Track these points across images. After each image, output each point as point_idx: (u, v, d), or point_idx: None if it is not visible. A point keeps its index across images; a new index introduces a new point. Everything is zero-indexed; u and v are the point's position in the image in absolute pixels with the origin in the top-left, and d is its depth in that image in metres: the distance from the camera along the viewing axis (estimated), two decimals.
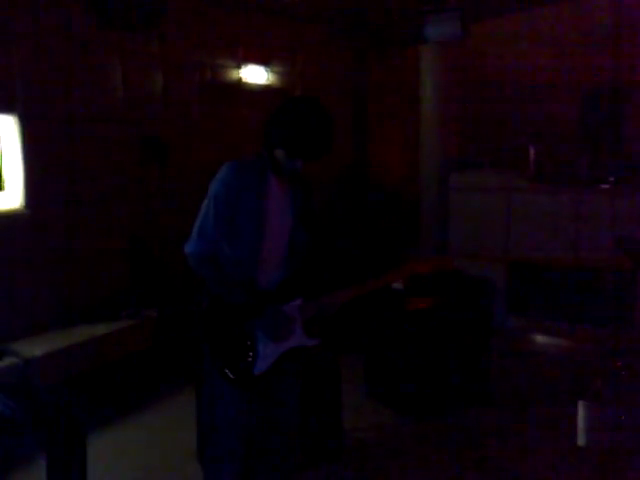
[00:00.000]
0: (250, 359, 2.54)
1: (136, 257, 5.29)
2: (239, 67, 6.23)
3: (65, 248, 4.82)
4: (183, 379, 4.71)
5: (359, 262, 5.60)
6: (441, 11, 6.59)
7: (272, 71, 6.53)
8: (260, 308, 2.54)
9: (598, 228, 5.70)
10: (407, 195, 7.47)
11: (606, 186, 6.15)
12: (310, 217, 2.71)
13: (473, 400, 4.62)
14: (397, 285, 4.67)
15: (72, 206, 4.88)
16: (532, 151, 6.55)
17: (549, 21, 7.12)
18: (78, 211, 4.91)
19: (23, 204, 4.61)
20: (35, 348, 4.24)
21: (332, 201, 6.79)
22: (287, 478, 2.81)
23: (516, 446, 4.06)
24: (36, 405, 3.17)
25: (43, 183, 4.70)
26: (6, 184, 4.58)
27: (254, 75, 6.33)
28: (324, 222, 2.75)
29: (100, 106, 5.09)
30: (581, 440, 3.97)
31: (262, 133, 2.59)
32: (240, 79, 6.24)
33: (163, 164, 5.51)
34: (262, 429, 2.72)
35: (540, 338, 6.06)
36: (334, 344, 3.85)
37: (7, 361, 4.02)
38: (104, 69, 5.12)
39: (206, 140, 5.85)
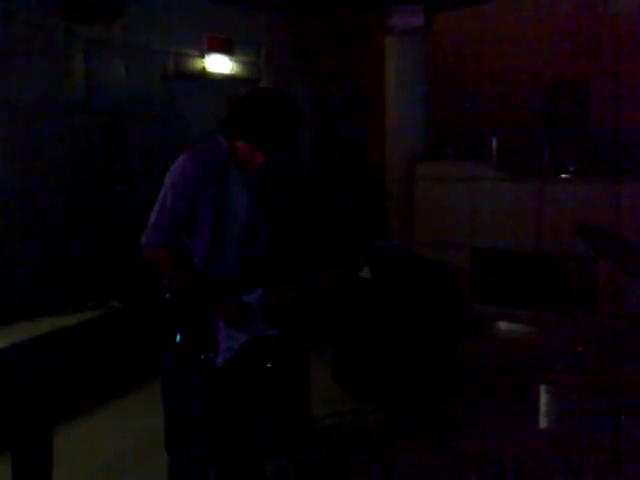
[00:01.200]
0: (212, 350, 2.53)
1: (101, 248, 5.23)
2: (202, 56, 6.18)
3: (32, 237, 4.74)
4: (150, 368, 4.67)
5: (322, 251, 5.62)
6: (406, 2, 6.63)
7: (236, 60, 6.48)
8: (220, 298, 2.53)
9: (560, 216, 5.80)
10: (375, 184, 7.49)
11: (567, 175, 6.28)
12: (270, 207, 2.70)
13: (438, 386, 4.68)
14: (364, 273, 4.70)
15: (35, 194, 4.80)
16: (494, 141, 6.65)
17: (512, 11, 7.20)
18: (42, 199, 4.84)
19: None
20: (0, 339, 4.17)
21: (298, 190, 6.79)
22: (253, 465, 2.81)
23: (480, 431, 4.12)
24: (0, 397, 3.12)
25: (5, 171, 4.62)
26: None
27: (217, 64, 6.28)
28: (288, 212, 2.74)
29: (61, 95, 5.00)
30: (543, 423, 4.06)
31: (224, 122, 2.56)
32: (203, 68, 6.19)
33: (125, 153, 5.46)
34: (227, 418, 2.71)
35: (504, 325, 6.16)
36: (300, 333, 3.85)
37: None
38: (66, 57, 5.03)
39: (168, 129, 5.79)
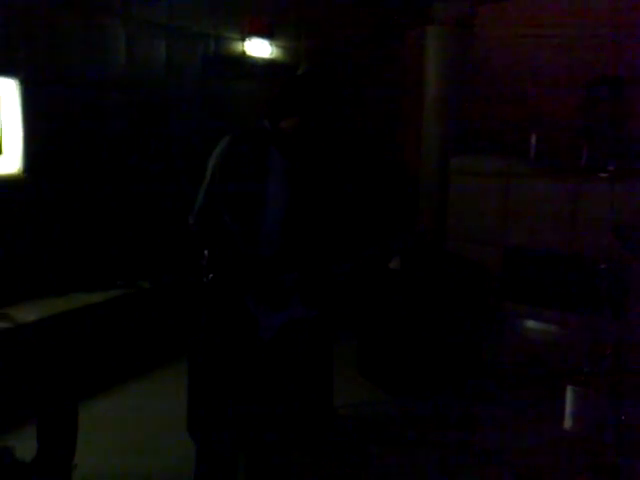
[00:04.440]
0: (252, 331, 2.55)
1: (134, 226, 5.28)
2: (243, 40, 6.18)
3: (63, 214, 4.81)
4: (178, 348, 4.73)
5: (356, 238, 5.61)
6: None
7: (277, 45, 6.47)
8: (260, 279, 2.55)
9: (596, 216, 5.69)
10: (409, 178, 7.45)
11: (605, 175, 6.15)
12: (311, 191, 2.71)
13: (463, 382, 4.66)
14: (394, 265, 4.69)
15: (71, 172, 4.86)
16: (533, 137, 6.54)
17: (554, 8, 7.05)
18: (77, 177, 4.89)
19: (21, 169, 4.59)
20: (29, 313, 4.25)
21: (338, 178, 6.77)
22: (284, 448, 2.84)
23: (505, 429, 4.10)
24: (27, 370, 3.18)
25: (42, 148, 4.68)
26: (5, 148, 4.55)
27: (258, 48, 6.28)
28: (327, 197, 2.75)
29: (102, 73, 5.05)
30: (568, 423, 4.02)
31: (267, 105, 2.58)
32: (244, 52, 6.19)
33: (164, 135, 5.50)
34: (261, 401, 2.74)
35: (533, 324, 6.08)
36: (330, 320, 3.86)
37: (0, 325, 4.03)
38: (107, 35, 5.08)
39: (207, 112, 5.81)
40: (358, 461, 3.70)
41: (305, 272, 2.66)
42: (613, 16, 6.59)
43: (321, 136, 2.57)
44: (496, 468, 3.63)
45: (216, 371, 2.66)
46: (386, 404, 4.45)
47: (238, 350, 2.60)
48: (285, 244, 2.68)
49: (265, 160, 2.55)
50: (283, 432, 2.82)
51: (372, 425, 4.14)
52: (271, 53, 6.42)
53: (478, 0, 6.77)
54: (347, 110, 2.66)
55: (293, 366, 2.78)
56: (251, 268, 2.55)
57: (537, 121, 6.81)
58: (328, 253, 2.81)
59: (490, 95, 7.23)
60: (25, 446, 2.97)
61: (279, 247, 2.66)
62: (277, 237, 2.65)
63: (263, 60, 6.34)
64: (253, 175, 2.53)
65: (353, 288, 4.73)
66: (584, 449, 3.73)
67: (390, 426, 4.13)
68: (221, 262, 2.61)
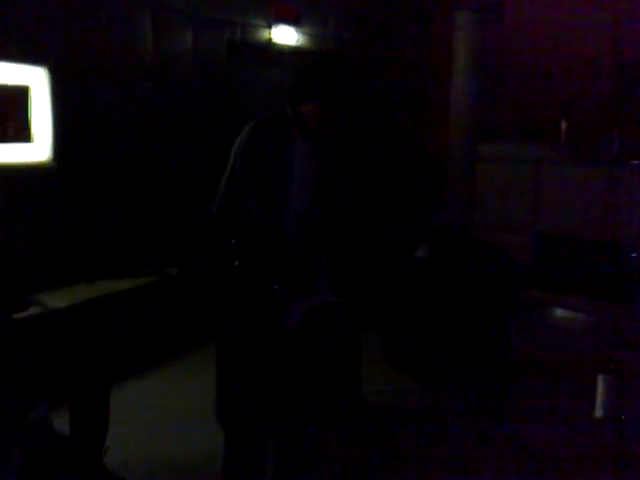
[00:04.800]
0: (280, 316, 2.56)
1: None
2: (270, 27, 6.16)
3: (91, 203, 4.86)
4: (207, 335, 4.76)
5: (382, 223, 5.59)
6: None
7: (303, 32, 6.44)
8: (286, 266, 2.55)
9: (628, 204, 5.61)
10: (436, 163, 7.39)
11: (637, 162, 6.04)
12: (335, 179, 2.69)
13: (493, 370, 4.62)
14: (422, 253, 4.66)
15: (100, 160, 4.90)
16: (564, 124, 6.45)
17: None
18: (106, 166, 4.93)
19: (51, 157, 4.63)
20: (60, 300, 4.30)
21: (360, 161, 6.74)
22: (312, 438, 2.84)
23: (533, 418, 4.06)
24: (59, 355, 3.22)
25: (71, 137, 4.72)
26: (35, 136, 4.60)
27: (284, 36, 6.25)
28: (351, 182, 2.72)
29: (129, 61, 5.07)
30: (599, 412, 3.97)
31: (291, 90, 2.55)
32: (270, 39, 6.17)
33: (191, 123, 5.52)
34: (292, 388, 2.74)
35: (563, 312, 6.02)
36: (357, 306, 3.85)
37: (32, 311, 4.09)
38: (135, 24, 5.09)
39: (234, 100, 5.81)
40: (386, 449, 3.70)
41: (333, 257, 2.66)
42: None
43: (342, 121, 2.52)
44: (523, 459, 3.60)
45: (244, 358, 2.67)
46: (413, 392, 4.43)
47: (265, 337, 2.61)
48: (312, 230, 2.68)
49: (288, 145, 2.54)
50: (312, 419, 2.82)
51: (399, 413, 4.13)
52: (297, 40, 6.39)
53: None
54: (372, 96, 2.60)
55: (321, 352, 2.78)
56: (277, 255, 2.55)
57: (567, 107, 6.70)
58: (357, 238, 2.80)
59: (519, 81, 7.14)
60: (58, 429, 3.02)
61: (306, 233, 2.65)
62: (304, 223, 2.64)
63: (289, 47, 6.31)
64: (276, 161, 2.52)
65: (381, 275, 4.71)
66: (613, 439, 3.68)
67: (417, 413, 4.12)
68: (247, 249, 2.61)
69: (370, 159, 6.97)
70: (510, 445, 3.72)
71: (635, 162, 6.04)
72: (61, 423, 3.01)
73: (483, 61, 6.76)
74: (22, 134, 4.51)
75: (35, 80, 4.53)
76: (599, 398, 3.97)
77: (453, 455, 3.66)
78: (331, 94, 2.43)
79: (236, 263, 2.62)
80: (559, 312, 6.07)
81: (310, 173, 2.60)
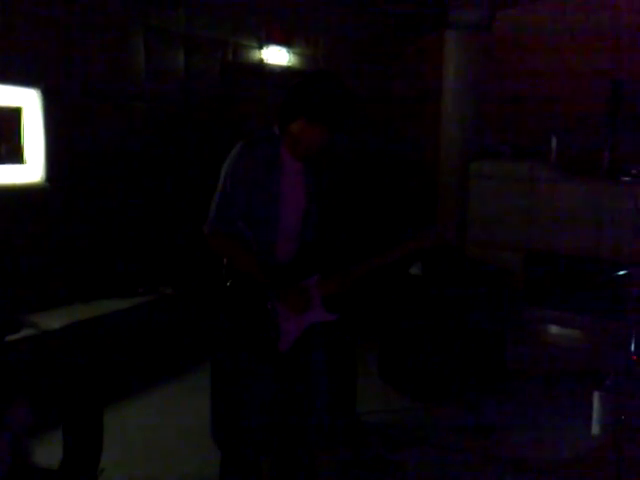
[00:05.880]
0: (274, 335, 2.54)
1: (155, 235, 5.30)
2: (261, 47, 6.20)
3: (85, 223, 4.84)
4: (201, 354, 4.74)
5: (373, 240, 5.59)
6: None
7: (294, 53, 6.49)
8: (280, 285, 2.54)
9: (619, 220, 5.64)
10: (428, 182, 7.43)
11: (628, 178, 6.09)
12: (323, 195, 2.70)
13: (487, 388, 4.61)
14: (415, 270, 4.66)
15: (92, 181, 4.89)
16: (554, 140, 6.49)
17: (574, 9, 7.01)
18: (98, 186, 4.92)
19: (44, 177, 4.63)
20: (54, 321, 4.28)
21: (351, 179, 6.76)
22: (308, 457, 2.82)
23: (529, 435, 4.05)
24: (53, 377, 3.19)
25: (64, 157, 4.72)
26: (28, 158, 4.60)
27: (276, 56, 6.29)
28: (341, 199, 2.73)
29: (122, 83, 5.08)
30: (595, 430, 3.96)
31: (280, 109, 2.56)
32: (262, 60, 6.21)
33: (182, 142, 5.52)
34: (287, 406, 2.73)
35: (557, 329, 6.02)
36: (351, 324, 3.84)
37: (25, 332, 4.05)
38: (126, 45, 5.11)
39: (225, 119, 5.83)
40: (382, 468, 3.67)
41: (325, 275, 2.65)
42: (635, 16, 6.54)
43: (330, 137, 2.53)
44: (519, 475, 3.58)
45: (238, 377, 2.65)
46: (408, 410, 4.41)
47: (260, 356, 2.59)
48: (305, 248, 2.68)
49: (277, 165, 2.55)
50: (307, 438, 2.80)
51: (396, 431, 4.11)
52: (289, 61, 6.43)
53: (496, 4, 6.75)
54: (362, 114, 2.62)
55: (315, 371, 2.77)
56: (269, 274, 2.54)
57: (558, 124, 6.76)
58: (348, 255, 2.80)
59: (510, 99, 7.20)
60: (51, 451, 2.98)
61: (299, 251, 2.66)
62: (296, 241, 2.64)
63: (281, 67, 6.36)
64: (265, 181, 2.52)
65: (375, 292, 4.71)
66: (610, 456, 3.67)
67: (414, 432, 4.09)
68: (239, 269, 2.60)
69: (361, 176, 7.01)
70: (510, 462, 3.70)
71: (625, 179, 6.09)
72: (55, 446, 2.97)
73: (472, 79, 6.81)
74: (14, 155, 4.52)
75: (28, 101, 4.53)
76: (595, 415, 3.97)
77: (449, 473, 3.64)
78: (319, 109, 2.44)
79: (229, 282, 2.61)
80: (554, 329, 6.07)
81: (300, 192, 2.62)
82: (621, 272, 4.33)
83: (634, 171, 6.14)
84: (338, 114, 2.47)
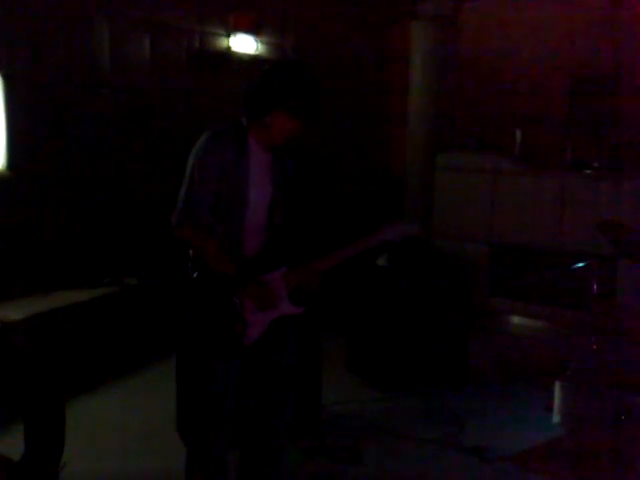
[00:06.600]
0: (240, 329, 2.53)
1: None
2: (228, 36, 6.14)
3: (48, 212, 4.76)
4: (166, 348, 4.70)
5: (340, 234, 5.59)
6: None
7: (262, 42, 6.43)
8: (247, 277, 2.53)
9: (581, 213, 5.73)
10: (395, 174, 7.46)
11: (590, 172, 6.19)
12: (290, 185, 2.69)
13: (450, 378, 4.66)
14: (382, 262, 4.69)
15: (55, 169, 4.80)
16: (519, 134, 6.57)
17: (538, 5, 7.07)
18: (62, 174, 4.84)
19: (5, 165, 4.53)
20: (14, 312, 4.19)
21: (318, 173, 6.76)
22: (277, 451, 2.82)
23: (492, 425, 4.11)
24: (13, 369, 3.14)
25: (26, 145, 4.62)
26: None
27: (244, 44, 6.23)
28: (307, 193, 2.73)
29: (85, 70, 4.99)
30: (556, 418, 4.03)
31: (247, 100, 2.54)
32: (229, 48, 6.15)
33: (147, 132, 5.45)
34: (256, 397, 2.72)
35: (520, 320, 6.12)
36: (317, 317, 3.85)
37: None
38: (91, 32, 5.02)
39: (192, 108, 5.77)
40: (348, 458, 3.69)
41: (292, 268, 2.65)
42: (601, 12, 6.62)
43: (306, 130, 2.53)
44: (482, 464, 3.63)
45: (204, 371, 2.63)
46: (374, 401, 4.44)
47: (226, 349, 2.58)
48: (272, 240, 2.67)
49: (244, 156, 2.53)
50: (274, 431, 2.80)
51: (361, 421, 4.13)
52: (257, 49, 6.38)
53: None
54: (330, 107, 2.63)
55: (282, 363, 2.76)
56: (238, 266, 2.52)
57: (522, 118, 6.83)
58: (314, 249, 2.79)
59: (475, 91, 7.25)
60: (12, 446, 2.93)
61: (265, 244, 2.64)
62: (262, 234, 2.63)
63: (249, 56, 6.30)
64: (233, 172, 2.50)
65: (341, 284, 4.72)
66: (568, 447, 3.76)
67: (379, 422, 4.12)
68: (205, 261, 2.58)
69: (331, 171, 7.00)
70: (469, 450, 3.75)
71: (588, 172, 6.19)
72: (16, 439, 2.92)
73: (439, 71, 6.85)
74: None
75: None
76: (556, 404, 4.04)
77: (412, 462, 3.67)
78: (302, 104, 2.45)
79: (195, 274, 2.59)
80: (516, 319, 6.16)
81: (267, 182, 2.61)
82: (581, 264, 4.42)
83: (595, 164, 6.25)
84: (318, 107, 2.49)
